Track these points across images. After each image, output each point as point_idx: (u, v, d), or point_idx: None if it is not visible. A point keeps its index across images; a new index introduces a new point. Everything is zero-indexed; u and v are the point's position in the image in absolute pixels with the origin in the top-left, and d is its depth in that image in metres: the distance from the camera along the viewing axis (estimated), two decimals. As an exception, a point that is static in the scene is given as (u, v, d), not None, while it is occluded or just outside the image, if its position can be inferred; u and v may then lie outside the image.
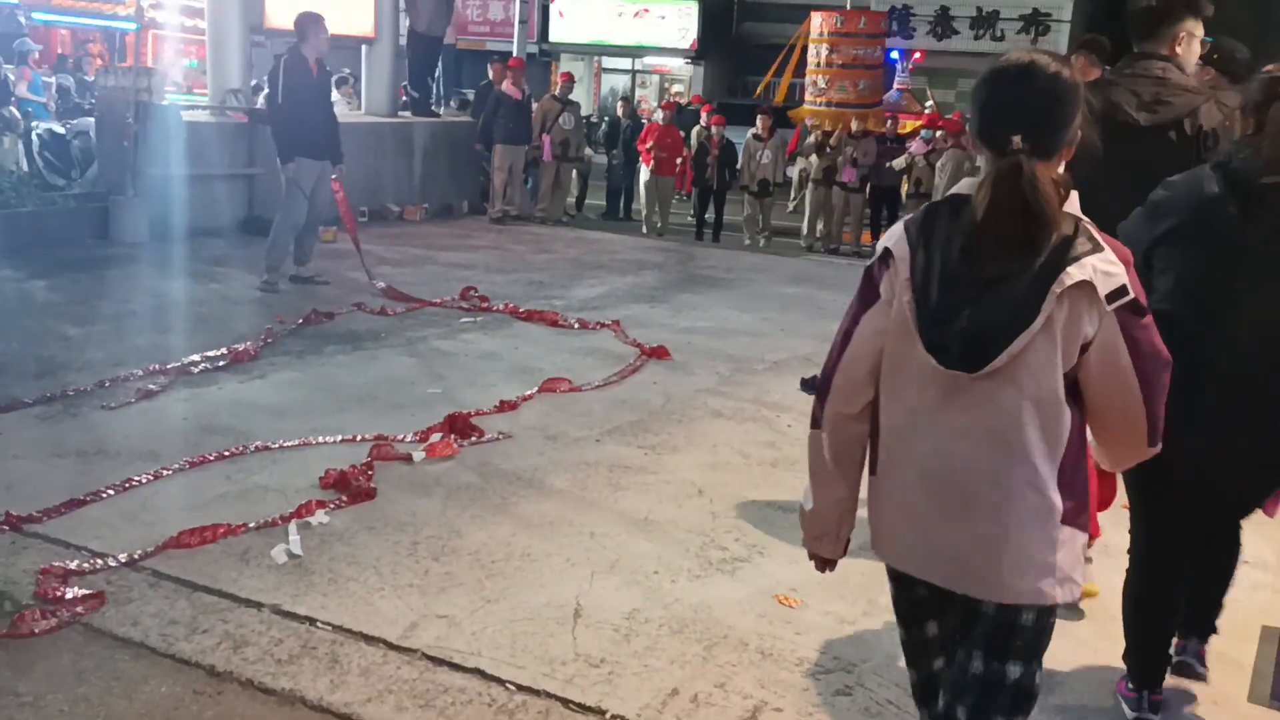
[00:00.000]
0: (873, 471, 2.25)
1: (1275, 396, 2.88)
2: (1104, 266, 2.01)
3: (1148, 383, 2.07)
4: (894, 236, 2.15)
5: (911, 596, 2.29)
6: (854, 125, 13.86)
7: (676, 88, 27.52)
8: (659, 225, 13.71)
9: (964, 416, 2.07)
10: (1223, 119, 3.58)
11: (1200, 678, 3.35)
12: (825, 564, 2.42)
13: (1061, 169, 2.10)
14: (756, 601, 3.73)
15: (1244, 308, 2.86)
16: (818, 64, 16.54)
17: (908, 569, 2.22)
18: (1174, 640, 3.29)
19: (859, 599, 3.79)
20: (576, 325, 7.59)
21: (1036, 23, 24.13)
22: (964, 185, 2.11)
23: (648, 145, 13.70)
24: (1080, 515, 2.12)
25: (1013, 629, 2.13)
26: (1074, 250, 2.00)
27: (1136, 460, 2.25)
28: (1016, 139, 1.99)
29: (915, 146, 13.31)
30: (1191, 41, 3.76)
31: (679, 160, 14.22)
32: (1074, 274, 1.98)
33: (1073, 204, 2.06)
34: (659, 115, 14.36)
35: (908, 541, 2.19)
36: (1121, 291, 2.01)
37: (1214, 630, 3.42)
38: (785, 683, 3.23)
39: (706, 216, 14.07)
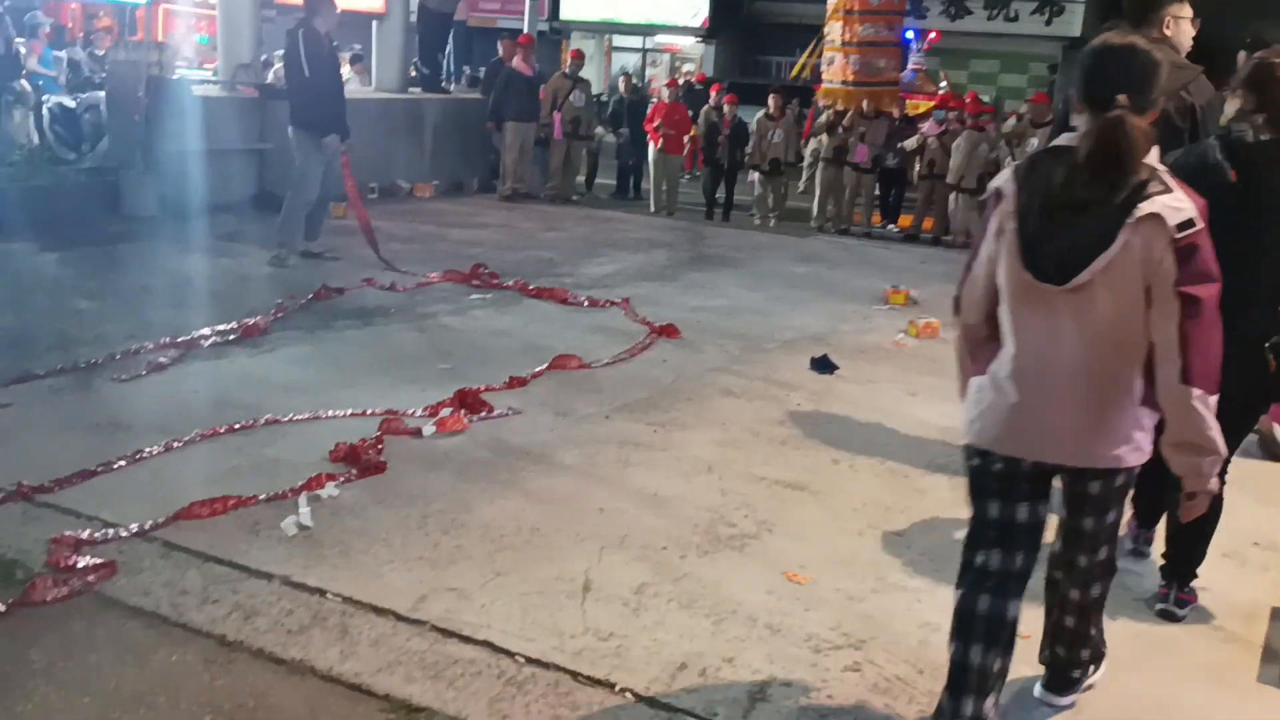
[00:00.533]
0: (982, 371, 2.77)
1: (1255, 345, 3.37)
2: (1172, 204, 2.48)
3: (1189, 318, 2.47)
4: (1004, 178, 2.69)
5: (1013, 477, 2.73)
6: (865, 105, 13.77)
7: (687, 66, 27.36)
8: (665, 202, 13.68)
9: (1061, 322, 2.58)
10: (1213, 93, 4.05)
11: (1179, 619, 3.65)
12: None
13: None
14: (765, 578, 3.73)
15: (1241, 263, 3.16)
16: (853, 41, 16.22)
17: (1014, 452, 2.70)
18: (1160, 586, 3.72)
19: (868, 576, 3.79)
20: (586, 303, 7.58)
21: (1051, 4, 23.96)
22: (1065, 139, 2.62)
23: (655, 124, 13.64)
24: (1153, 398, 2.61)
25: (1108, 490, 2.74)
26: (1147, 190, 2.49)
27: (1180, 401, 2.53)
28: (1122, 98, 2.49)
29: (928, 127, 13.23)
30: (1179, 23, 4.14)
31: (686, 138, 14.15)
32: (1144, 208, 2.47)
33: (1152, 156, 2.53)
34: (665, 93, 14.30)
35: (1016, 428, 2.68)
36: (1189, 223, 2.48)
37: (1194, 577, 3.71)
38: (794, 658, 3.23)
39: (717, 196, 14.02)
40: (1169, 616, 3.65)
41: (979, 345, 2.80)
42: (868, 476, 4.75)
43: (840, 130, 13.40)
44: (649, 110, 14.29)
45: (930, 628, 3.45)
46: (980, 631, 2.72)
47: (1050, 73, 24.38)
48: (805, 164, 15.25)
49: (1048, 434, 2.65)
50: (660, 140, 13.54)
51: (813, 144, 14.16)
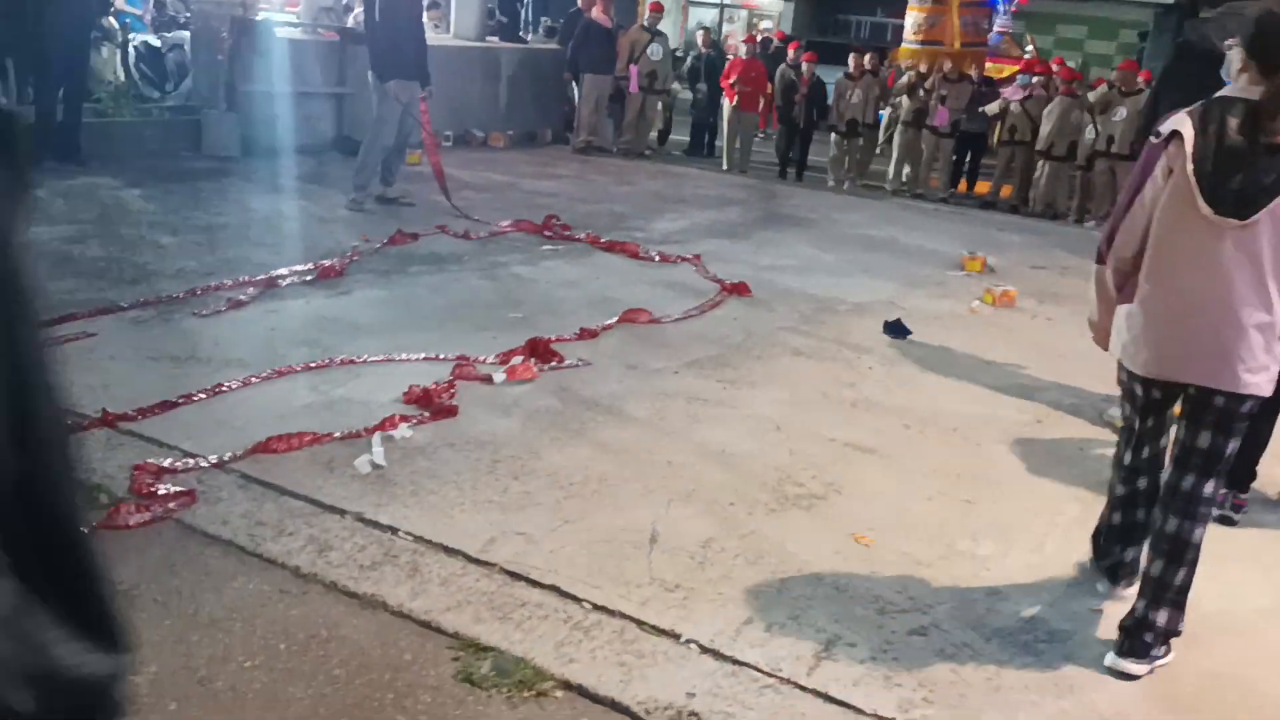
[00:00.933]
0: (1129, 300, 3.11)
1: None
2: None
3: None
4: (1180, 122, 2.96)
5: (1150, 397, 3.17)
6: (947, 66, 13.46)
7: (765, 24, 26.93)
8: (739, 160, 13.55)
9: (1225, 256, 2.89)
10: None
11: (1235, 523, 4.10)
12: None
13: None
14: (832, 538, 3.71)
15: None
16: (966, 1, 15.76)
17: (1161, 375, 3.08)
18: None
19: (936, 542, 3.75)
20: (657, 258, 7.56)
21: (1145, -32, 23.10)
22: (1231, 90, 2.97)
23: (731, 81, 13.48)
24: None
25: (1233, 411, 3.00)
26: None
27: None
28: None
29: (1010, 91, 12.91)
30: None
31: (762, 96, 13.96)
32: None
33: None
34: (743, 50, 14.10)
35: (1164, 352, 3.03)
36: None
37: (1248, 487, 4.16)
38: (859, 619, 3.22)
39: (790, 155, 13.85)
40: (1226, 521, 4.01)
41: (1126, 277, 3.14)
42: (938, 443, 4.70)
43: (921, 93, 13.14)
44: (725, 67, 14.12)
45: (998, 596, 3.42)
46: (1130, 499, 3.28)
47: (1140, 40, 23.60)
48: (882, 126, 15.00)
49: (1191, 357, 2.98)
50: (735, 97, 13.39)
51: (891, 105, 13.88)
